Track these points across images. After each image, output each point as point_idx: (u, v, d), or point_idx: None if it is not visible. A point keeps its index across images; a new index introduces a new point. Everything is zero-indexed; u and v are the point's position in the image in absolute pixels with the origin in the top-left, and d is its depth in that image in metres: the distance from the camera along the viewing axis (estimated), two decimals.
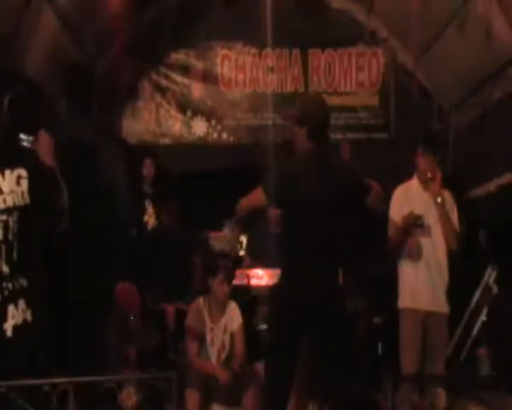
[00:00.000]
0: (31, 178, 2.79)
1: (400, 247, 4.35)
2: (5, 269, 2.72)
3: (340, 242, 3.57)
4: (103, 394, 2.61)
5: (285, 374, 3.48)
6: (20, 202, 2.76)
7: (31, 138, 3.07)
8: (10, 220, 2.74)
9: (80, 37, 6.29)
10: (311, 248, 3.45)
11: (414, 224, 4.25)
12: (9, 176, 2.75)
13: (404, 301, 4.36)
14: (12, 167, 2.76)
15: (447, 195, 4.47)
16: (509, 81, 5.69)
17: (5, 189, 2.73)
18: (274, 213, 3.74)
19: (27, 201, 2.78)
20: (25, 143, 3.09)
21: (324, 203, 3.46)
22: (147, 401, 3.00)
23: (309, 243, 3.45)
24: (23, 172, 2.78)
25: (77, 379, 2.69)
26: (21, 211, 2.77)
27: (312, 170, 3.52)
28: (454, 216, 4.42)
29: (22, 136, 3.08)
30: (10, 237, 2.74)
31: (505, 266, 5.11)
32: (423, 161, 4.37)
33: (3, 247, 2.72)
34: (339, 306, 3.53)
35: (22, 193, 2.77)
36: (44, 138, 3.06)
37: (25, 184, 2.78)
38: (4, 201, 2.73)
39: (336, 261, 3.59)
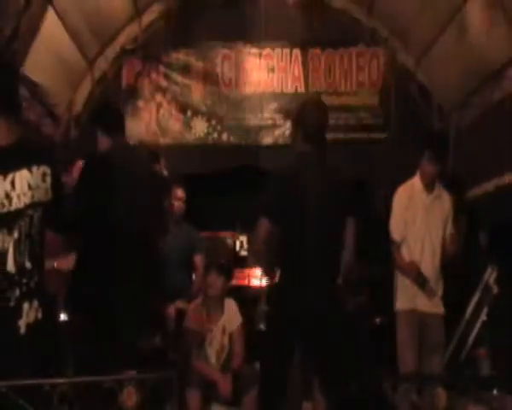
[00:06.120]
0: (53, 175, 2.84)
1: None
2: (27, 265, 2.74)
3: (337, 247, 3.54)
4: (103, 394, 2.62)
5: (280, 377, 3.47)
6: (44, 199, 2.81)
7: None
8: (35, 216, 2.77)
9: (81, 38, 6.30)
10: (309, 255, 3.42)
11: (416, 280, 4.28)
12: (36, 172, 2.78)
13: (401, 302, 4.37)
14: (38, 164, 2.80)
15: (446, 198, 4.47)
16: (509, 81, 5.69)
17: (33, 184, 2.76)
18: (264, 226, 3.51)
19: (50, 197, 2.83)
20: None
21: (321, 209, 3.43)
22: (147, 401, 3.00)
23: (307, 251, 3.42)
24: (47, 170, 2.83)
25: (77, 379, 2.69)
26: (44, 207, 2.80)
27: (308, 174, 3.48)
28: (450, 221, 4.44)
29: None
30: (33, 232, 2.76)
31: (505, 266, 5.11)
32: (426, 164, 4.36)
33: (27, 241, 2.74)
34: (337, 313, 3.52)
35: (46, 190, 2.82)
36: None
37: (49, 180, 2.83)
38: (32, 196, 2.76)
39: (335, 267, 3.57)
